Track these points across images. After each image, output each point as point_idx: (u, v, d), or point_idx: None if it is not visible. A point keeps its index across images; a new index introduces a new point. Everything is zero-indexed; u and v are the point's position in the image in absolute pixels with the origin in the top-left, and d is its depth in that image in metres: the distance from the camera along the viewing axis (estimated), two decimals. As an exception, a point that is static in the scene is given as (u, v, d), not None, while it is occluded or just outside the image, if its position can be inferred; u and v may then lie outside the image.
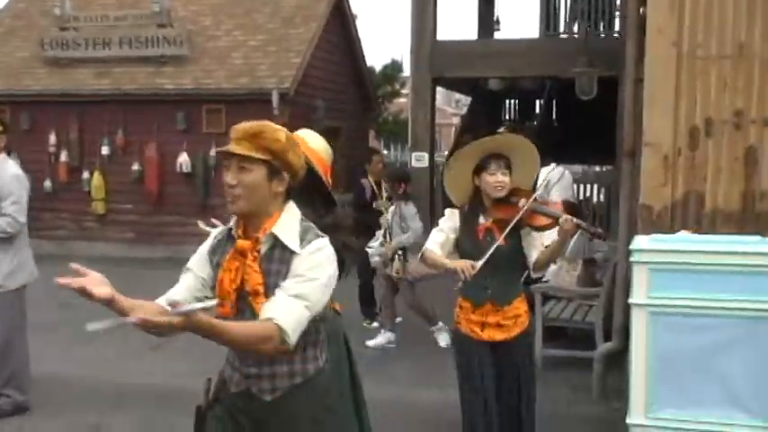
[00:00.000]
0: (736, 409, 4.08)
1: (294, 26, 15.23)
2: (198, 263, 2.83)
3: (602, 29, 15.40)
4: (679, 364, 4.13)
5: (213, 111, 13.97)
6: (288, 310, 2.57)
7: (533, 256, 4.27)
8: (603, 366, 6.19)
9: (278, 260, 2.69)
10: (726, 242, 4.29)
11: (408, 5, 13.76)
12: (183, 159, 14.07)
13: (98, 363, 7.34)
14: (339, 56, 17.15)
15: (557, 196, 7.62)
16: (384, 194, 8.96)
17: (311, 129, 3.84)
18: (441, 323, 8.00)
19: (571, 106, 15.67)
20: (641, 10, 5.69)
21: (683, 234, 4.67)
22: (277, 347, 2.56)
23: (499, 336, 4.29)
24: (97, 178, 14.55)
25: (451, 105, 47.85)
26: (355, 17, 18.06)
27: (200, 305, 2.36)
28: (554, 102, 19.59)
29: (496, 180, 4.19)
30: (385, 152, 10.57)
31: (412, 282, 7.93)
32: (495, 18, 19.77)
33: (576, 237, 7.28)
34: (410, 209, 7.94)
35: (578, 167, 16.19)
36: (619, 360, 5.89)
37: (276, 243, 2.70)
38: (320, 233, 2.74)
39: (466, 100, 23.74)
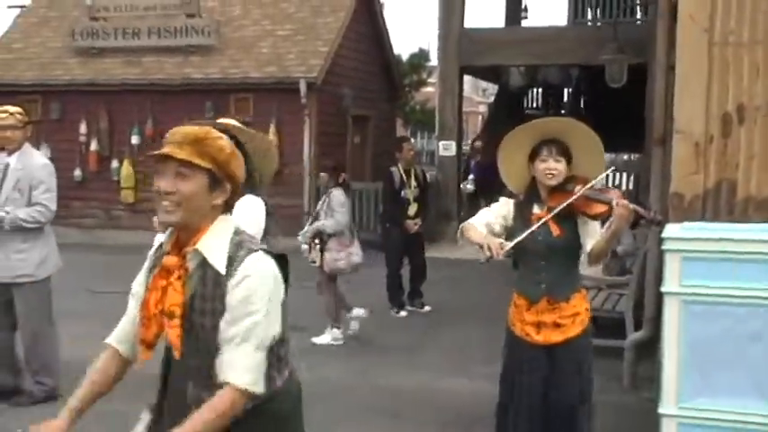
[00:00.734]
0: (768, 400, 4.04)
1: (322, 15, 15.27)
2: (141, 284, 2.58)
3: (629, 16, 15.28)
4: (711, 354, 4.08)
5: (241, 100, 14.06)
6: (239, 364, 2.35)
7: (588, 246, 3.99)
8: (634, 355, 6.16)
9: (206, 280, 2.40)
10: (759, 230, 4.23)
11: (436, -6, 13.78)
12: (212, 148, 14.13)
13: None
14: (366, 45, 17.13)
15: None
16: (413, 183, 8.96)
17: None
18: (358, 309, 7.72)
19: (599, 94, 15.58)
20: (672, -4, 5.62)
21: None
22: (250, 402, 2.38)
23: (556, 337, 4.03)
24: (126, 167, 14.69)
25: (478, 94, 47.60)
26: (382, 6, 18.06)
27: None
28: (581, 91, 19.49)
29: (547, 167, 3.97)
30: (412, 140, 10.66)
31: (329, 274, 7.58)
32: (522, 5, 19.69)
33: None
34: (339, 197, 7.57)
35: (607, 156, 16.06)
36: (650, 349, 5.85)
37: (204, 261, 2.41)
38: (254, 246, 2.44)
39: (493, 89, 23.64)
